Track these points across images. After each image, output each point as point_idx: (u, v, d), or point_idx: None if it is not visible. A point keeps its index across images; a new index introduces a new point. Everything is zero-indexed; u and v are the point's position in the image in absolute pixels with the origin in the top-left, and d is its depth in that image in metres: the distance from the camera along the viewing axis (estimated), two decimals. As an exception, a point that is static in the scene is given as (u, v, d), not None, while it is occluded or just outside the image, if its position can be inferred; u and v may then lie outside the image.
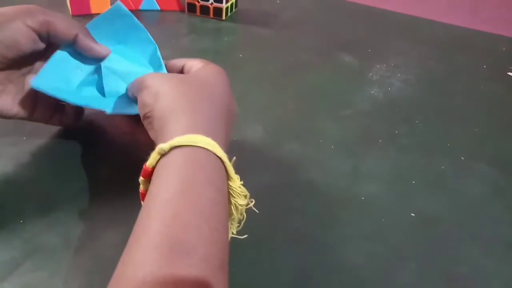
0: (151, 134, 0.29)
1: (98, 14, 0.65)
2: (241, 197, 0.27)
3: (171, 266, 0.21)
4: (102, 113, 0.35)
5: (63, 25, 0.34)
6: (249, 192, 0.28)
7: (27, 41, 0.33)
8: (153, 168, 0.26)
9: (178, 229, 0.22)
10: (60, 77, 0.36)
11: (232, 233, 0.29)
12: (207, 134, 0.27)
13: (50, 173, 0.37)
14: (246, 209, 0.28)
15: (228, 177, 0.27)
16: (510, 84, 0.56)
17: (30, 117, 0.37)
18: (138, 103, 0.31)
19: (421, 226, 0.35)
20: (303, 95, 0.51)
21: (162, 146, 0.26)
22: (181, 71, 0.35)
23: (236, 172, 0.28)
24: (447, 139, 0.45)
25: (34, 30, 0.33)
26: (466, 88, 0.55)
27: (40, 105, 0.37)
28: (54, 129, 0.41)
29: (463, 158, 0.42)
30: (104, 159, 0.39)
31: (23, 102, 0.36)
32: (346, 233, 0.34)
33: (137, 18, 0.66)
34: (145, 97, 0.30)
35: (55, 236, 0.31)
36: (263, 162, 0.40)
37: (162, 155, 0.26)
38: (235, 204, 0.27)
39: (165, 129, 0.27)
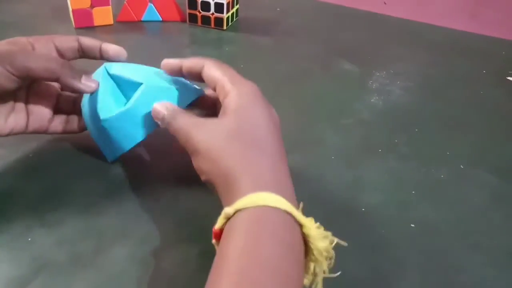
0: (217, 193, 0.30)
1: (100, 26, 0.67)
2: (319, 240, 0.27)
3: None
4: None
5: (42, 70, 0.34)
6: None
7: (9, 82, 0.34)
8: (221, 230, 0.27)
9: (246, 286, 0.23)
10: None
11: (324, 272, 0.28)
12: (269, 187, 0.27)
13: (56, 189, 0.38)
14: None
15: (300, 225, 0.27)
16: (510, 89, 0.57)
17: (26, 130, 0.38)
18: (194, 166, 0.31)
19: (422, 236, 0.35)
20: (303, 104, 0.51)
21: (226, 211, 0.26)
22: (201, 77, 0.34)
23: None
24: (446, 147, 0.45)
25: (14, 74, 0.34)
26: (466, 94, 0.55)
27: (33, 117, 0.38)
28: (62, 144, 0.42)
29: (462, 167, 0.43)
30: (111, 174, 0.39)
31: (16, 118, 0.37)
32: (347, 244, 0.34)
33: (139, 29, 0.68)
34: (200, 164, 0.30)
35: (63, 253, 0.32)
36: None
37: (228, 218, 0.27)
38: (316, 248, 0.27)
39: (228, 192, 0.28)
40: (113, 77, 0.38)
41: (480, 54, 0.65)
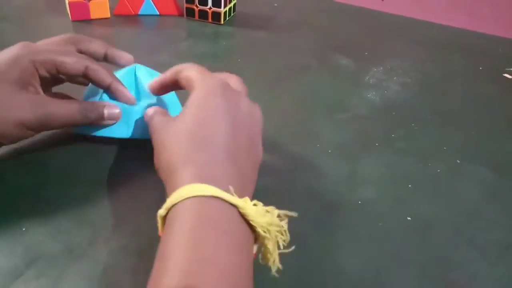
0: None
1: (97, 19, 0.66)
2: (258, 216, 0.27)
3: None
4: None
5: (62, 120, 0.36)
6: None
7: (19, 133, 0.35)
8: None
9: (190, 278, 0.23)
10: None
11: (279, 248, 0.28)
12: (206, 180, 0.27)
13: (51, 179, 0.37)
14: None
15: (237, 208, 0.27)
16: (506, 86, 0.57)
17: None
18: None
19: (418, 230, 0.35)
20: (300, 98, 0.51)
21: (160, 212, 0.27)
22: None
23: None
24: (443, 142, 0.45)
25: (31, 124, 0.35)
26: (462, 90, 0.55)
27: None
28: (56, 135, 0.41)
29: (459, 161, 0.43)
30: (107, 165, 0.39)
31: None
32: (343, 237, 0.34)
33: (136, 23, 0.67)
34: (154, 160, 0.32)
35: (57, 243, 0.32)
36: (261, 166, 0.41)
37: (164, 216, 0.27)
38: (258, 224, 0.27)
39: (168, 187, 0.29)
40: (136, 79, 0.40)
41: (477, 51, 0.65)
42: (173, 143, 0.30)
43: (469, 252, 0.34)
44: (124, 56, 0.42)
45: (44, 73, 0.36)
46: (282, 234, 0.28)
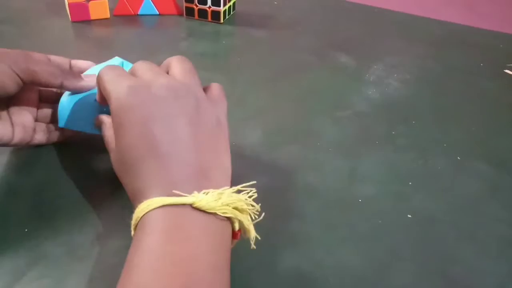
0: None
1: (97, 20, 0.66)
2: (211, 202, 0.26)
3: None
4: None
5: (46, 74, 0.34)
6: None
7: (11, 83, 0.34)
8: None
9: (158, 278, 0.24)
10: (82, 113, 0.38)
11: (249, 221, 0.28)
12: (152, 194, 0.26)
13: (52, 180, 0.37)
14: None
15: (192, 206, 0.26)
16: (507, 82, 0.57)
17: (10, 142, 0.36)
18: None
19: (418, 226, 0.35)
20: (301, 96, 0.51)
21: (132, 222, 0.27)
22: None
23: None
24: (443, 139, 0.45)
25: (18, 76, 0.33)
26: (463, 86, 0.55)
27: (17, 128, 0.37)
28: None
29: (459, 158, 0.43)
30: (108, 165, 0.39)
31: (2, 127, 0.36)
32: (344, 234, 0.34)
33: (136, 23, 0.67)
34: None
35: (59, 244, 0.32)
36: (261, 165, 0.41)
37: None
38: (214, 208, 0.26)
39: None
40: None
41: (478, 47, 0.65)
42: (120, 172, 0.30)
43: (470, 248, 0.34)
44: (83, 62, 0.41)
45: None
46: (251, 206, 0.28)
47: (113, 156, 0.30)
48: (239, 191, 0.28)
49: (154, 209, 0.26)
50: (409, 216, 0.36)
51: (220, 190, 0.26)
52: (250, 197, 0.28)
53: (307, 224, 0.35)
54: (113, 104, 0.28)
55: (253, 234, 0.28)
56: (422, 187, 0.39)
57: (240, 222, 0.28)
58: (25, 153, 0.40)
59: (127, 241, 0.32)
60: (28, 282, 0.29)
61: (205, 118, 0.29)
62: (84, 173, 0.39)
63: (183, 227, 0.25)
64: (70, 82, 0.36)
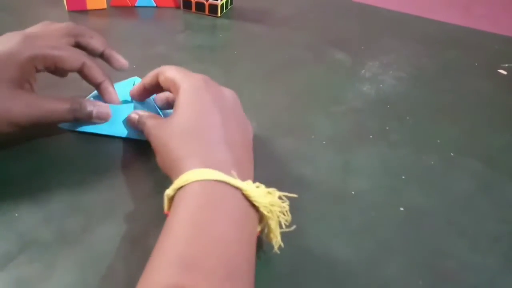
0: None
1: (94, 10, 0.66)
2: (261, 196, 0.28)
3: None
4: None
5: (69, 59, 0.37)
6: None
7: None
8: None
9: (190, 253, 0.25)
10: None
11: (281, 227, 0.30)
12: (209, 166, 0.28)
13: (45, 166, 0.37)
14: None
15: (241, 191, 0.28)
16: (501, 81, 0.57)
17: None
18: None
19: (410, 220, 0.36)
20: (296, 91, 0.51)
21: (167, 192, 0.29)
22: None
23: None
24: (437, 135, 0.46)
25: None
26: (457, 85, 0.55)
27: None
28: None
29: (452, 154, 0.43)
30: (101, 153, 0.39)
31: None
32: (336, 227, 0.35)
33: (133, 14, 0.67)
34: (158, 160, 0.33)
35: (50, 230, 0.32)
36: (256, 157, 0.41)
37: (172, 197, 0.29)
38: (261, 204, 0.28)
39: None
40: None
41: (472, 48, 0.65)
42: (173, 141, 0.31)
43: (460, 243, 0.34)
44: (119, 60, 0.43)
45: (42, 68, 0.37)
46: (284, 214, 0.30)
47: (159, 124, 0.34)
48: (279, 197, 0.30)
49: (203, 180, 0.27)
50: (401, 209, 0.36)
51: (270, 189, 0.29)
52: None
53: (300, 216, 0.35)
54: (185, 85, 0.33)
55: (278, 240, 0.30)
56: (415, 182, 0.39)
57: (269, 226, 0.29)
58: (18, 139, 0.40)
59: (119, 229, 0.32)
60: (18, 265, 0.29)
61: (245, 123, 0.35)
62: (77, 160, 0.38)
63: (227, 207, 0.27)
64: (77, 119, 0.38)
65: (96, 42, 0.42)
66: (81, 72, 0.38)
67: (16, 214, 0.33)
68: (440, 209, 0.37)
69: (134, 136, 0.40)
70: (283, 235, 0.31)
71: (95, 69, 0.38)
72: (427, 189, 0.39)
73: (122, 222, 0.33)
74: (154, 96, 0.41)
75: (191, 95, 0.33)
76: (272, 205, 0.29)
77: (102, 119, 0.39)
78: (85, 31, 0.41)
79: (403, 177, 0.40)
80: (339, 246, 0.33)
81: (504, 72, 0.59)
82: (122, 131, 0.40)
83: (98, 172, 0.37)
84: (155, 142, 0.33)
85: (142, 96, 0.39)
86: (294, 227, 0.30)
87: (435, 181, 0.40)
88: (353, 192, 0.38)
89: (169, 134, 0.32)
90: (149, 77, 0.37)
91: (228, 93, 0.35)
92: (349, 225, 0.35)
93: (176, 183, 0.28)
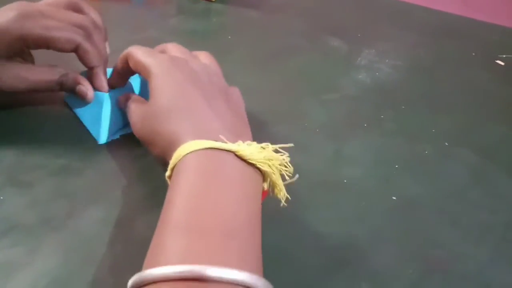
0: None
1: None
2: (255, 154, 0.28)
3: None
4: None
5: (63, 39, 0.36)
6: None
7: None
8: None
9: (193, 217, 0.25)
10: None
11: (286, 179, 0.30)
12: (195, 137, 0.28)
13: (30, 150, 0.36)
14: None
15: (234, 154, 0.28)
16: (498, 72, 0.56)
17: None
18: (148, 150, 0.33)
19: (402, 209, 0.35)
20: (290, 78, 0.51)
21: (166, 174, 0.29)
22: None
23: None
24: (432, 125, 0.45)
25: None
26: (453, 75, 0.55)
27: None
28: (37, 106, 0.40)
29: (447, 144, 0.43)
30: (87, 138, 0.38)
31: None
32: (327, 215, 0.34)
33: (125, -3, 0.65)
34: (149, 149, 0.33)
35: (34, 214, 0.31)
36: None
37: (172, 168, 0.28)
38: (257, 160, 0.28)
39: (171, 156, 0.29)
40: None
41: (471, 38, 0.65)
42: (157, 124, 0.31)
43: (452, 233, 0.34)
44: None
45: (33, 47, 0.37)
46: (285, 166, 0.29)
47: (142, 113, 0.33)
48: (276, 151, 0.29)
49: (196, 150, 0.27)
50: (394, 198, 0.36)
51: (263, 144, 0.29)
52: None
53: (291, 203, 0.34)
54: (155, 70, 0.32)
55: (283, 192, 0.30)
56: (408, 171, 0.39)
57: (271, 181, 0.29)
58: (5, 121, 0.39)
59: (104, 213, 0.32)
60: (1, 249, 0.29)
61: (226, 87, 0.35)
62: (64, 144, 0.37)
63: (223, 171, 0.27)
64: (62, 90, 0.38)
65: (96, 17, 0.41)
66: (76, 53, 0.37)
67: (1, 198, 0.32)
68: (432, 199, 0.37)
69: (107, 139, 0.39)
70: (274, 221, 0.30)
71: (89, 53, 0.37)
72: (420, 179, 0.38)
73: (107, 207, 0.32)
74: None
75: (163, 79, 0.32)
76: (269, 159, 0.28)
77: (82, 97, 0.38)
78: (85, 6, 0.41)
79: (396, 166, 0.39)
80: (331, 234, 0.32)
81: (502, 63, 0.59)
82: (97, 134, 0.38)
83: (84, 157, 0.36)
84: (139, 130, 0.33)
85: (119, 83, 0.39)
86: (297, 176, 0.30)
87: (428, 171, 0.39)
88: (345, 181, 0.37)
89: (150, 118, 0.32)
90: (120, 63, 0.37)
91: (198, 65, 0.35)
92: (340, 213, 0.34)
93: (172, 162, 0.28)
